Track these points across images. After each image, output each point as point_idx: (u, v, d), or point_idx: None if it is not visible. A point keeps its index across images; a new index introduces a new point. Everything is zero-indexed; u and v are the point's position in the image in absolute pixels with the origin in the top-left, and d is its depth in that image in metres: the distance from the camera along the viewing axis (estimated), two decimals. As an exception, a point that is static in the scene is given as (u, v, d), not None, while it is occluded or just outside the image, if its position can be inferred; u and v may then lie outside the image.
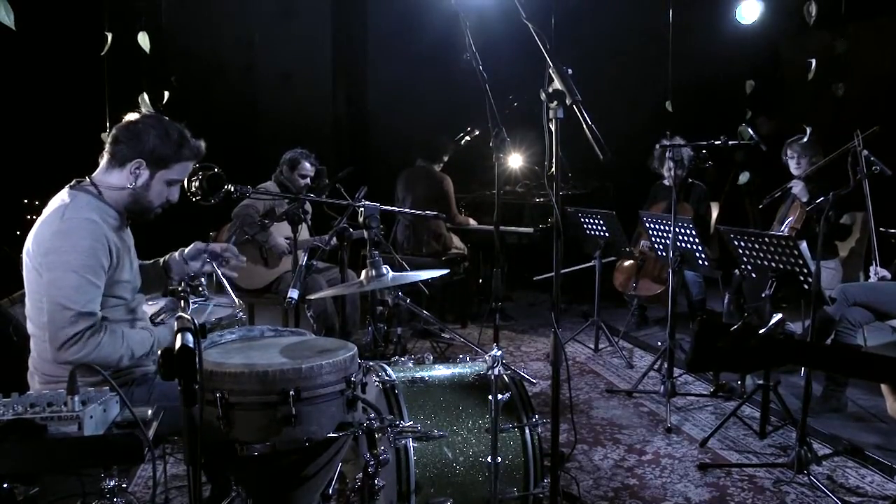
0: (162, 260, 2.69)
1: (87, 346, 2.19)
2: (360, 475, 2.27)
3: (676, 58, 5.77)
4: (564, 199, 5.83)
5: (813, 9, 4.65)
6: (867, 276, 4.04)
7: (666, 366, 4.06)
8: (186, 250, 2.65)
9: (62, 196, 2.34)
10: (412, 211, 5.07)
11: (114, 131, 2.37)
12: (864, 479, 3.25)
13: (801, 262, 3.45)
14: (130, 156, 2.34)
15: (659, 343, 4.83)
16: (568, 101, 2.14)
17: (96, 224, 2.27)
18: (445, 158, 5.86)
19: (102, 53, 4.12)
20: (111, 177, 2.37)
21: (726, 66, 6.32)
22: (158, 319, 2.43)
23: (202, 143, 2.46)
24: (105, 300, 2.32)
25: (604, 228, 5.08)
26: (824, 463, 3.37)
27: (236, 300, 2.67)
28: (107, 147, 2.38)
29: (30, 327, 2.36)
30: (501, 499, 2.42)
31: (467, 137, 6.33)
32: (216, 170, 2.96)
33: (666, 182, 5.35)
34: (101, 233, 2.27)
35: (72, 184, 2.38)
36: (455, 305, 6.13)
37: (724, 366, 3.67)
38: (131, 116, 2.40)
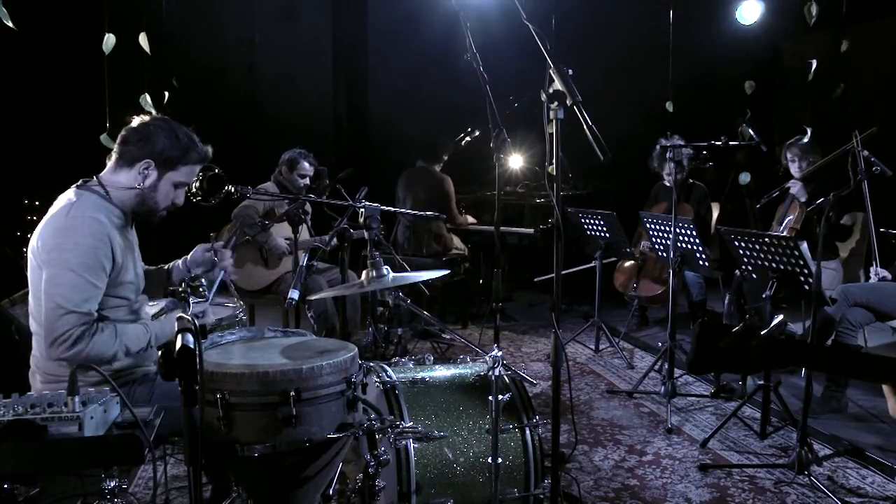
0: (166, 266, 2.70)
1: (77, 345, 2.19)
2: (361, 476, 2.27)
3: (676, 58, 5.77)
4: (565, 200, 5.81)
5: (814, 9, 4.65)
6: (867, 277, 4.04)
7: (666, 366, 4.07)
8: (189, 256, 2.65)
9: (69, 195, 2.35)
10: (413, 212, 5.07)
11: (123, 132, 2.39)
12: (864, 479, 3.24)
13: (801, 262, 3.45)
14: (139, 156, 2.35)
15: (659, 344, 4.83)
16: (568, 102, 2.13)
17: (101, 223, 2.27)
18: (445, 158, 5.86)
19: (108, 53, 4.12)
20: (119, 177, 2.38)
21: (726, 66, 6.32)
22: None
23: (209, 148, 2.48)
24: (108, 300, 2.33)
25: (604, 229, 5.08)
26: (825, 464, 3.37)
27: (239, 301, 2.67)
28: (115, 147, 2.40)
29: (32, 325, 2.37)
30: (502, 499, 2.42)
31: (468, 138, 6.33)
32: (217, 170, 2.96)
33: (666, 182, 5.35)
34: (105, 232, 2.27)
35: (78, 183, 2.39)
36: (456, 306, 6.13)
37: (725, 367, 3.67)
38: (140, 118, 2.41)
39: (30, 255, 2.31)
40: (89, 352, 2.21)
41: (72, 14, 5.22)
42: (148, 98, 4.51)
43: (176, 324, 2.38)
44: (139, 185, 2.37)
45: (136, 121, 2.40)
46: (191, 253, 2.66)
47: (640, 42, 6.64)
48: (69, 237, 2.23)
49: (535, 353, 5.26)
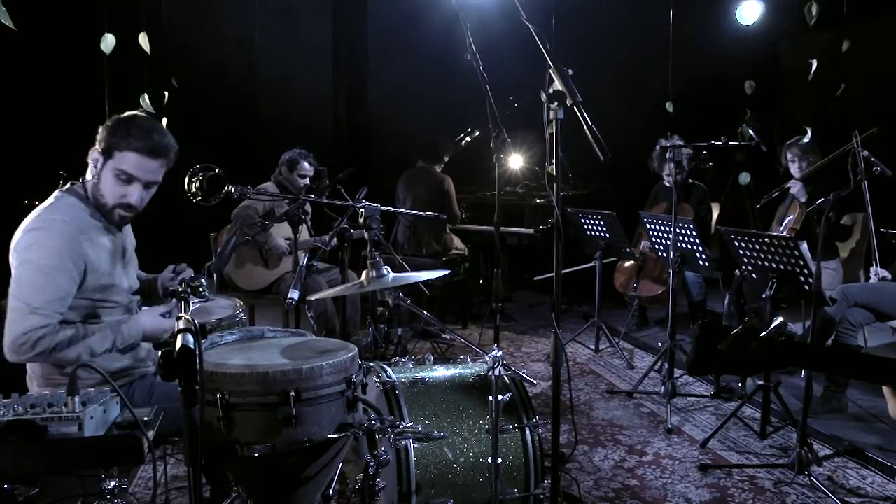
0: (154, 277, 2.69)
1: (38, 347, 2.13)
2: (361, 476, 2.27)
3: (676, 58, 5.77)
4: (565, 200, 5.83)
5: (814, 9, 4.64)
6: (867, 277, 4.04)
7: (666, 367, 4.07)
8: (160, 277, 2.63)
9: (50, 198, 2.34)
10: (413, 212, 5.07)
11: None
12: (864, 479, 3.25)
13: (801, 262, 3.45)
14: (93, 146, 2.33)
15: (659, 344, 4.83)
16: (568, 102, 2.13)
17: (70, 226, 2.24)
18: (446, 159, 5.85)
19: (107, 53, 4.11)
20: (87, 173, 2.37)
21: (726, 66, 6.32)
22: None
23: (165, 140, 2.33)
24: (101, 304, 2.32)
25: (604, 229, 5.08)
26: (825, 464, 3.37)
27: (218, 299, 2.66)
28: None
29: None
30: (502, 500, 2.42)
31: (468, 138, 6.33)
32: (216, 171, 2.95)
33: (666, 182, 5.35)
34: (74, 236, 2.24)
35: (66, 186, 2.37)
36: (455, 306, 6.13)
37: (725, 369, 3.67)
38: None
39: (11, 257, 2.30)
40: (48, 357, 2.16)
41: (72, 14, 5.21)
42: (147, 98, 4.51)
43: (144, 323, 2.35)
44: (92, 175, 2.33)
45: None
46: (160, 274, 2.63)
47: (640, 42, 6.64)
48: (36, 240, 2.21)
49: (535, 353, 5.25)
